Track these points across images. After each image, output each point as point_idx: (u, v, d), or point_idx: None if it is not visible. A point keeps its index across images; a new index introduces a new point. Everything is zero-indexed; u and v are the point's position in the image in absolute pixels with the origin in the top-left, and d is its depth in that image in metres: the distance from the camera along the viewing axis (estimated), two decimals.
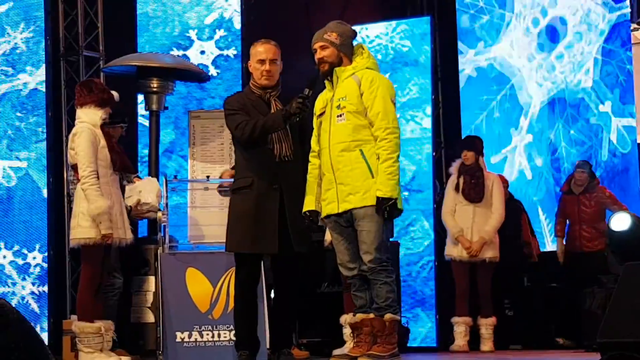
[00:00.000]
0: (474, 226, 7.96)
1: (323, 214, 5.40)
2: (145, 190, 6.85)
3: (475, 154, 8.07)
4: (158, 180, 7.65)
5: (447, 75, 10.11)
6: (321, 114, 5.43)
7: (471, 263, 8.01)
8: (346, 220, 5.30)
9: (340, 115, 5.30)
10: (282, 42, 5.85)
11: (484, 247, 7.93)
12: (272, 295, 6.59)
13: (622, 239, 7.51)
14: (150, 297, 7.14)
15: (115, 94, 7.07)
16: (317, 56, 5.42)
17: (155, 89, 7.78)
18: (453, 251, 8.06)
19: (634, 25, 8.82)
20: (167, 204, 7.14)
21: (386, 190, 5.15)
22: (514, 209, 8.40)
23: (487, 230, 7.92)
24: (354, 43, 5.46)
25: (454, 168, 8.21)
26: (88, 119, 6.31)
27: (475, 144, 8.20)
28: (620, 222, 7.52)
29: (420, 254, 9.63)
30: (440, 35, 10.13)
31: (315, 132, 5.50)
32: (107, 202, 6.14)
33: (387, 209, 5.15)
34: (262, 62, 5.69)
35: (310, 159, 5.51)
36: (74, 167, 6.34)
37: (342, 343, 7.24)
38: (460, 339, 8.04)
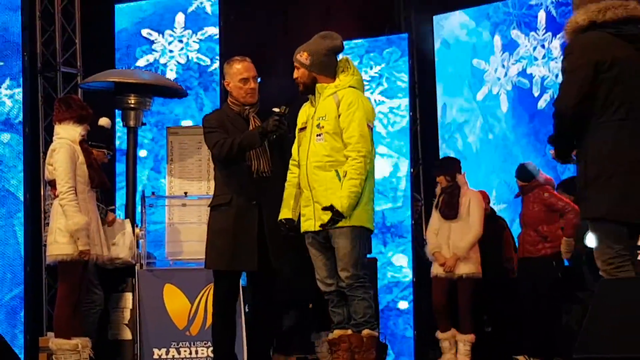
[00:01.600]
0: (449, 243, 7.99)
1: (302, 230, 5.40)
2: (118, 244, 6.85)
3: (446, 177, 8.11)
4: (134, 201, 7.64)
5: (425, 93, 10.16)
6: (302, 129, 5.43)
7: (450, 280, 8.02)
8: (323, 237, 5.31)
9: (320, 135, 5.29)
10: (260, 58, 5.86)
11: (460, 263, 7.95)
12: (249, 310, 6.58)
13: None
14: (127, 314, 7.11)
15: (106, 120, 7.07)
16: (293, 76, 5.44)
17: (132, 105, 7.77)
18: (434, 268, 8.09)
19: None
20: (144, 221, 7.14)
21: (342, 204, 5.13)
22: (495, 225, 8.40)
23: (461, 246, 7.94)
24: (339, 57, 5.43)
25: (438, 188, 8.23)
26: (67, 135, 6.29)
27: (449, 166, 8.22)
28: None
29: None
30: (418, 52, 10.19)
31: (296, 142, 5.50)
32: (85, 218, 6.12)
33: (333, 220, 5.14)
34: (245, 80, 5.70)
35: (291, 167, 5.49)
36: (51, 183, 6.32)
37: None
38: (447, 352, 8.04)
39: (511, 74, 9.50)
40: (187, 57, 9.53)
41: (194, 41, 9.49)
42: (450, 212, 8.00)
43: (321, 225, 5.22)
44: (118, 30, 9.50)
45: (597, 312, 4.47)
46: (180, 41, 9.48)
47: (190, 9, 9.57)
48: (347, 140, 5.22)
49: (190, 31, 9.53)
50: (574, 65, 4.80)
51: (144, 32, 9.51)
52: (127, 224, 7.04)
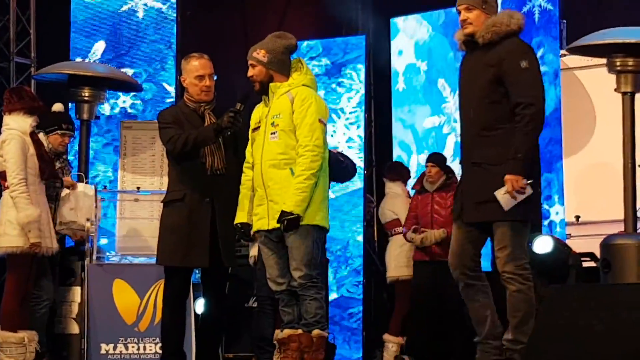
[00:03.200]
0: None
1: (254, 229, 5.40)
2: (77, 208, 6.76)
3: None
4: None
5: (380, 94, 10.19)
6: (256, 129, 5.43)
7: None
8: (277, 236, 5.32)
9: (274, 133, 5.31)
10: (217, 55, 5.85)
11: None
12: (199, 308, 6.57)
13: (545, 262, 7.58)
14: (75, 308, 7.06)
15: (60, 105, 7.00)
16: (248, 74, 5.44)
17: (86, 98, 7.73)
18: (401, 271, 7.99)
19: (562, 52, 8.95)
20: (96, 215, 7.09)
21: (290, 204, 5.18)
22: None
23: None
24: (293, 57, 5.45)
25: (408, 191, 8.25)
26: (17, 126, 6.23)
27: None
28: (542, 245, 7.58)
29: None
30: (375, 54, 10.22)
31: (250, 144, 5.50)
32: (37, 211, 6.07)
33: (285, 222, 5.17)
34: (201, 77, 5.69)
35: (245, 170, 5.50)
36: (0, 175, 6.25)
37: None
38: (392, 356, 8.04)
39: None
40: None
41: None
42: None
43: (282, 229, 5.21)
44: (74, 22, 9.37)
45: (546, 319, 4.53)
46: None
47: (125, 8, 9.27)
48: (298, 135, 5.25)
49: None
50: (537, 64, 4.93)
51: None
52: (88, 188, 6.92)
